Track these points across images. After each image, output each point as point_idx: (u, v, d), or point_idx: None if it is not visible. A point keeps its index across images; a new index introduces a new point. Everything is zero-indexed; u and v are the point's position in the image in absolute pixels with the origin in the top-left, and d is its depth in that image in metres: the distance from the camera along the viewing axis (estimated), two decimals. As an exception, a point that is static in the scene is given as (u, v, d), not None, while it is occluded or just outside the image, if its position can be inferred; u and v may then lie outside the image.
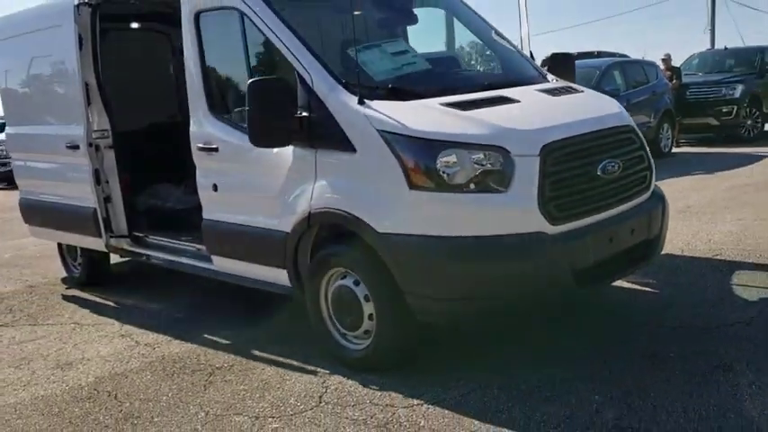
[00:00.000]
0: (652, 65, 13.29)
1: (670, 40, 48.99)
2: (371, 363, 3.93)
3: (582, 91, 4.56)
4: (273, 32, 4.10)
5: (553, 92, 4.33)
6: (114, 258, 6.78)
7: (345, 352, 4.09)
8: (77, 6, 5.59)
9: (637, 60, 13.36)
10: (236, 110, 4.46)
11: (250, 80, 3.84)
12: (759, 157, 11.42)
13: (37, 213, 6.63)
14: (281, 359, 4.33)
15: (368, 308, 3.88)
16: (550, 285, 3.56)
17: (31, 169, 6.56)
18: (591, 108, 4.23)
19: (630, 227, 3.98)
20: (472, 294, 3.54)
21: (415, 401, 3.57)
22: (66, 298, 6.42)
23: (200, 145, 4.67)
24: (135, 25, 7.01)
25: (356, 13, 3.83)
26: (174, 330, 5.12)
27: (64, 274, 7.28)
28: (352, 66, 4.00)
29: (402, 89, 3.99)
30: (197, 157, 4.74)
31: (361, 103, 3.75)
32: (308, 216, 4.00)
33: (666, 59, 14.43)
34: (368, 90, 3.85)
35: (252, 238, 4.45)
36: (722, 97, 13.98)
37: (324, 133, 3.86)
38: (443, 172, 3.50)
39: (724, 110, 13.83)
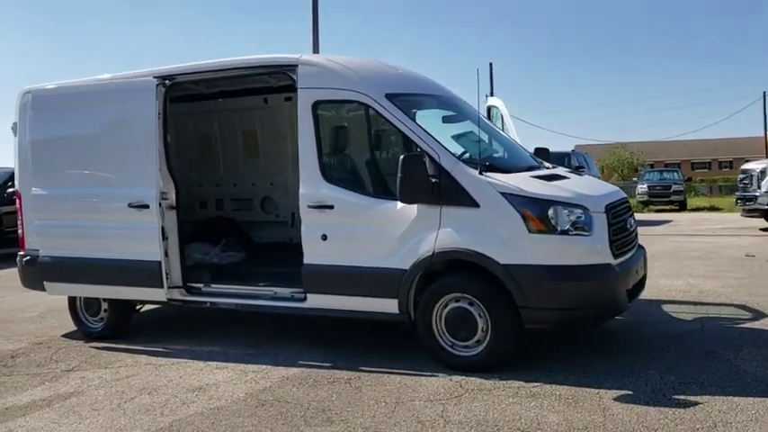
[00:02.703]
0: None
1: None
2: (484, 364, 5.32)
3: (585, 174, 6.54)
4: (402, 122, 5.56)
5: (576, 173, 6.24)
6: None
7: (456, 358, 5.44)
8: (157, 86, 6.51)
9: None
10: (362, 177, 5.77)
11: (402, 155, 5.25)
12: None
13: (69, 270, 7.01)
14: (394, 370, 5.53)
15: (481, 322, 5.32)
16: (617, 299, 5.32)
17: (69, 228, 6.99)
18: (606, 185, 6.20)
19: (639, 265, 5.91)
20: (573, 305, 5.16)
21: (537, 383, 5.04)
22: (101, 348, 6.84)
23: (312, 204, 5.84)
24: None
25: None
26: (265, 362, 6.00)
27: (54, 332, 7.63)
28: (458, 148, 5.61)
29: (493, 165, 5.62)
30: (306, 213, 5.88)
31: (481, 173, 5.32)
32: (431, 255, 5.38)
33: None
34: (475, 165, 5.43)
35: (364, 276, 5.66)
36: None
37: (450, 194, 5.33)
38: (551, 221, 5.16)
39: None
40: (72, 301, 7.40)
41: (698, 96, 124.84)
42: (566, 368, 5.33)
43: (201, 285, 6.75)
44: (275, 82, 7.69)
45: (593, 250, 5.23)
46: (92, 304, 7.27)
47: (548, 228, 5.15)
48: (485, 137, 6.54)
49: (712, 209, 28.44)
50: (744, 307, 7.24)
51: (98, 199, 6.83)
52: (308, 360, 5.97)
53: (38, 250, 7.24)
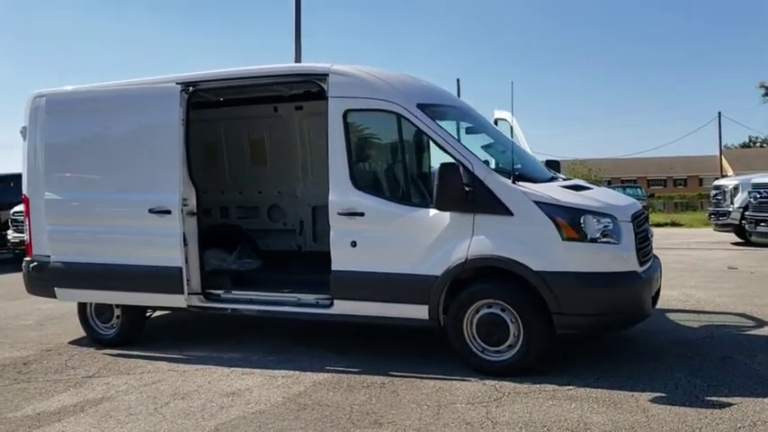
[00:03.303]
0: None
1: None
2: (516, 368, 5.45)
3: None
4: (435, 132, 5.69)
5: (593, 185, 6.46)
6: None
7: (487, 363, 5.55)
8: (181, 92, 6.52)
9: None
10: (393, 184, 5.87)
11: (440, 163, 5.37)
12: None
13: (83, 275, 6.91)
14: (425, 375, 5.61)
15: (513, 328, 5.45)
16: (643, 306, 5.51)
17: (84, 233, 6.90)
18: (624, 197, 6.42)
19: (658, 273, 6.13)
20: (604, 310, 5.33)
21: (570, 387, 5.18)
22: (115, 355, 6.75)
23: (342, 211, 5.90)
24: None
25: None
26: (291, 367, 6.01)
27: (59, 339, 7.54)
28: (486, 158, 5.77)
29: (521, 174, 5.78)
30: (336, 220, 5.95)
31: (514, 182, 5.48)
32: (463, 262, 5.50)
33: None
34: (507, 174, 5.59)
35: (394, 283, 5.74)
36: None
37: (483, 202, 5.46)
38: (584, 229, 5.33)
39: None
40: (82, 307, 7.29)
41: (676, 111, 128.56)
42: (594, 372, 5.49)
43: (221, 292, 6.74)
44: (287, 91, 7.74)
45: (621, 258, 5.42)
46: (103, 310, 7.18)
47: (580, 236, 5.32)
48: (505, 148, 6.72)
49: (674, 224, 29.26)
50: (744, 315, 7.53)
51: (116, 204, 6.76)
52: (334, 365, 6.02)
53: (48, 256, 7.12)
